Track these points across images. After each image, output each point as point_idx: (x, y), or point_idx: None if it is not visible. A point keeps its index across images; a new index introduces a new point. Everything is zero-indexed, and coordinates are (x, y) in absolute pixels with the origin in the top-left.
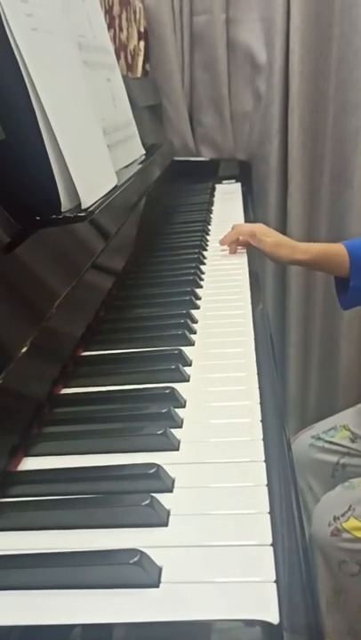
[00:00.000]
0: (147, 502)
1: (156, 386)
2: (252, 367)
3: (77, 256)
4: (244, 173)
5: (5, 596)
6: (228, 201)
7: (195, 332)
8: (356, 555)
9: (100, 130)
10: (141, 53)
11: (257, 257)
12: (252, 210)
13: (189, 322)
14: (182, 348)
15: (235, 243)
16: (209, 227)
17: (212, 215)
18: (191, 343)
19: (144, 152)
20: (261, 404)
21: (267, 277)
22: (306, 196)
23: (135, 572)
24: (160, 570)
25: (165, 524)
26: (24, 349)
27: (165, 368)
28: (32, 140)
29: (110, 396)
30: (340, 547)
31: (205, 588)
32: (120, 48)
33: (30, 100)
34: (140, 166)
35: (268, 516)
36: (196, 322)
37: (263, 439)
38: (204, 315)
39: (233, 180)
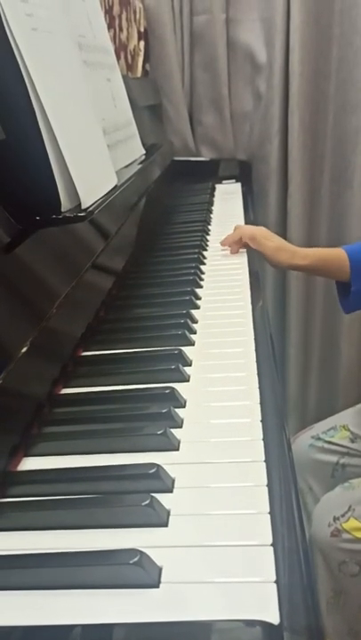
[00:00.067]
0: (147, 502)
1: (156, 386)
2: (253, 367)
3: (77, 256)
4: (245, 173)
5: (6, 597)
6: (228, 201)
7: (195, 332)
8: (356, 555)
9: (100, 130)
10: (141, 53)
11: (257, 257)
12: (252, 210)
13: (189, 322)
14: (182, 347)
15: (237, 244)
16: (209, 227)
17: (212, 215)
18: (191, 343)
19: (144, 152)
20: (261, 403)
21: (267, 277)
22: (306, 196)
23: (135, 572)
24: (160, 570)
25: (165, 524)
26: (24, 349)
27: (165, 368)
28: (32, 140)
29: (110, 396)
30: (340, 547)
31: (205, 589)
32: (120, 48)
33: (30, 100)
34: (140, 166)
35: (269, 516)
36: (196, 322)
37: (263, 439)
38: (204, 315)
39: (233, 180)
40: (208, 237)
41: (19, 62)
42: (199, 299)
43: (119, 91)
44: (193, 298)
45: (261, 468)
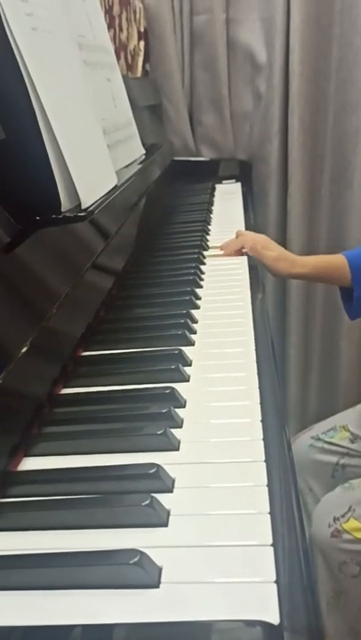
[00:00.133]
0: (147, 502)
1: (156, 386)
2: (253, 367)
3: (77, 256)
4: (245, 173)
5: (6, 597)
6: (228, 201)
7: (195, 332)
8: (356, 556)
9: (100, 130)
10: (141, 53)
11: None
12: (252, 210)
13: (189, 322)
14: (182, 347)
15: (236, 252)
16: (209, 227)
17: (212, 215)
18: (191, 343)
19: (144, 152)
20: (262, 403)
21: (267, 278)
22: (306, 196)
23: (135, 572)
24: (160, 570)
25: (165, 525)
26: (24, 349)
27: (165, 368)
28: (32, 140)
29: (110, 396)
30: (340, 547)
31: (206, 589)
32: (120, 48)
33: (30, 100)
34: (140, 166)
35: (269, 516)
36: (196, 322)
37: (263, 439)
38: (204, 315)
39: (233, 180)
40: (208, 237)
41: (19, 62)
42: (199, 299)
43: (119, 91)
44: (193, 298)
45: (262, 468)
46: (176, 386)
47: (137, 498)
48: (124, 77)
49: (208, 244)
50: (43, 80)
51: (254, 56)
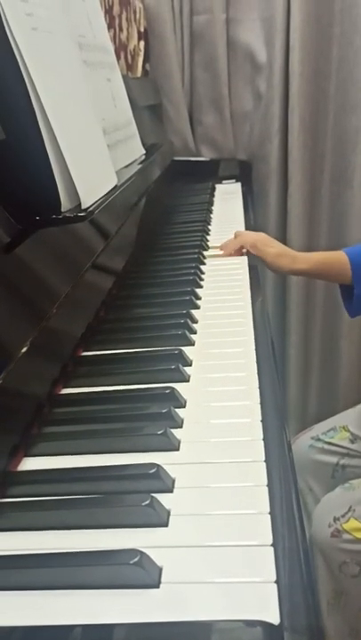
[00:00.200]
0: (147, 502)
1: (156, 386)
2: (253, 367)
3: (77, 256)
4: (245, 173)
5: (6, 597)
6: (228, 201)
7: (195, 332)
8: (356, 556)
9: (100, 130)
10: (141, 53)
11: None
12: (252, 210)
13: (189, 322)
14: (182, 347)
15: (237, 251)
16: (209, 227)
17: (212, 215)
18: (191, 343)
19: (144, 152)
20: (262, 403)
21: (267, 277)
22: (306, 196)
23: (135, 572)
24: (160, 570)
25: (166, 525)
26: (24, 349)
27: (165, 368)
28: (32, 140)
29: (110, 396)
30: (340, 548)
31: (206, 589)
32: (120, 48)
33: (30, 100)
34: (140, 166)
35: (269, 516)
36: (196, 322)
37: (263, 439)
38: (204, 315)
39: (233, 180)
40: (208, 237)
41: (19, 62)
42: (199, 299)
43: (119, 91)
44: (193, 298)
45: (262, 468)
46: (176, 386)
47: (137, 498)
48: (124, 77)
49: (208, 244)
50: (43, 80)
51: (254, 56)
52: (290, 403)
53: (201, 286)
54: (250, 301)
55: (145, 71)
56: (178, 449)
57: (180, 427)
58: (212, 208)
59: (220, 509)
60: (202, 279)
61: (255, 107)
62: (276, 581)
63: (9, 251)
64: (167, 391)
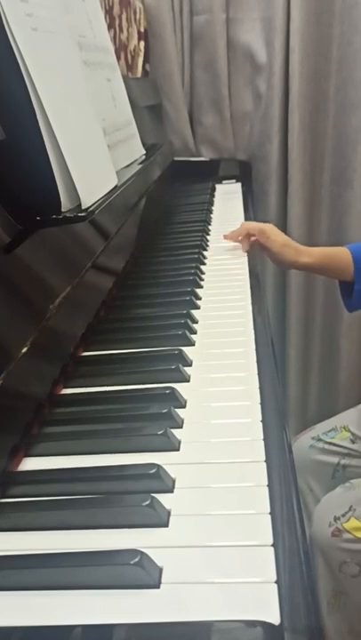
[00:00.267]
0: (147, 502)
1: (156, 386)
2: (253, 367)
3: (77, 256)
4: (245, 173)
5: (6, 597)
6: (228, 201)
7: (195, 332)
8: (356, 555)
9: (101, 130)
10: (141, 53)
11: (257, 256)
12: (252, 210)
13: (190, 322)
14: (183, 348)
15: (245, 239)
16: (209, 227)
17: (212, 215)
18: (191, 343)
19: (144, 152)
20: (262, 404)
21: (267, 277)
22: (306, 196)
23: (136, 572)
24: (161, 570)
25: (166, 525)
26: (24, 349)
27: (166, 368)
28: (32, 140)
29: (110, 397)
30: (340, 547)
31: (206, 589)
32: (120, 48)
33: (30, 101)
34: (140, 166)
35: (269, 516)
36: (196, 322)
37: (264, 439)
38: (204, 315)
39: (233, 180)
40: (208, 237)
41: (19, 62)
42: (199, 299)
43: (119, 91)
44: (193, 298)
45: (262, 469)
46: (176, 386)
47: (137, 498)
48: (124, 77)
49: (208, 243)
50: (43, 80)
51: (254, 56)
52: (290, 403)
53: (201, 286)
54: (250, 301)
55: (145, 71)
56: (178, 449)
57: (181, 427)
58: (213, 208)
59: (220, 509)
60: (202, 279)
61: (255, 107)
62: (277, 582)
63: (9, 251)
64: (167, 391)
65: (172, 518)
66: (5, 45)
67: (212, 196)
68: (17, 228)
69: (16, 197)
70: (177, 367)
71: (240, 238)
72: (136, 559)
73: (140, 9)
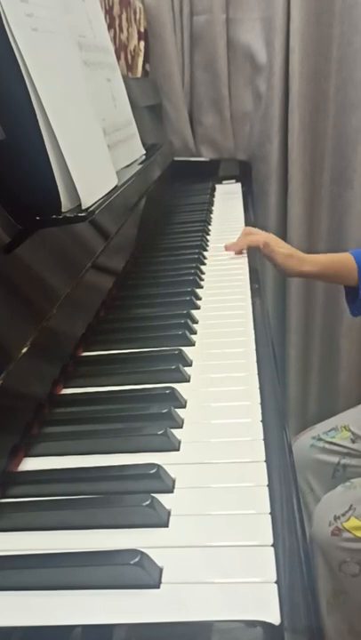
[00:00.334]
0: (147, 503)
1: (156, 386)
2: (253, 367)
3: (78, 256)
4: (245, 173)
5: (6, 597)
6: (228, 201)
7: (195, 333)
8: (356, 555)
9: (101, 130)
10: (141, 53)
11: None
12: (252, 210)
13: (190, 322)
14: (183, 348)
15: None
16: (209, 227)
17: (212, 215)
18: (192, 343)
19: (144, 152)
20: (262, 404)
21: (267, 277)
22: (306, 196)
23: (136, 572)
24: (161, 570)
25: (166, 525)
26: (24, 349)
27: (166, 368)
28: (32, 140)
29: (111, 397)
30: (340, 546)
31: (206, 589)
32: (120, 48)
33: (30, 100)
34: (140, 166)
35: (269, 516)
36: (196, 322)
37: (264, 439)
38: (204, 315)
39: (233, 181)
40: (208, 237)
41: (19, 62)
42: (199, 299)
43: (119, 91)
44: (193, 298)
45: (262, 469)
46: (176, 386)
47: (137, 498)
48: (124, 77)
49: (208, 244)
50: (43, 80)
51: (254, 56)
52: (290, 403)
53: (201, 286)
54: (250, 301)
55: (145, 71)
56: (178, 449)
57: (181, 427)
58: (213, 208)
59: (220, 509)
60: (202, 279)
61: (255, 107)
62: (277, 582)
63: (9, 251)
64: (167, 391)
65: (172, 518)
66: (5, 45)
67: (212, 196)
68: (17, 227)
69: (16, 197)
70: (177, 367)
71: (243, 252)
72: (136, 559)
73: (140, 9)
